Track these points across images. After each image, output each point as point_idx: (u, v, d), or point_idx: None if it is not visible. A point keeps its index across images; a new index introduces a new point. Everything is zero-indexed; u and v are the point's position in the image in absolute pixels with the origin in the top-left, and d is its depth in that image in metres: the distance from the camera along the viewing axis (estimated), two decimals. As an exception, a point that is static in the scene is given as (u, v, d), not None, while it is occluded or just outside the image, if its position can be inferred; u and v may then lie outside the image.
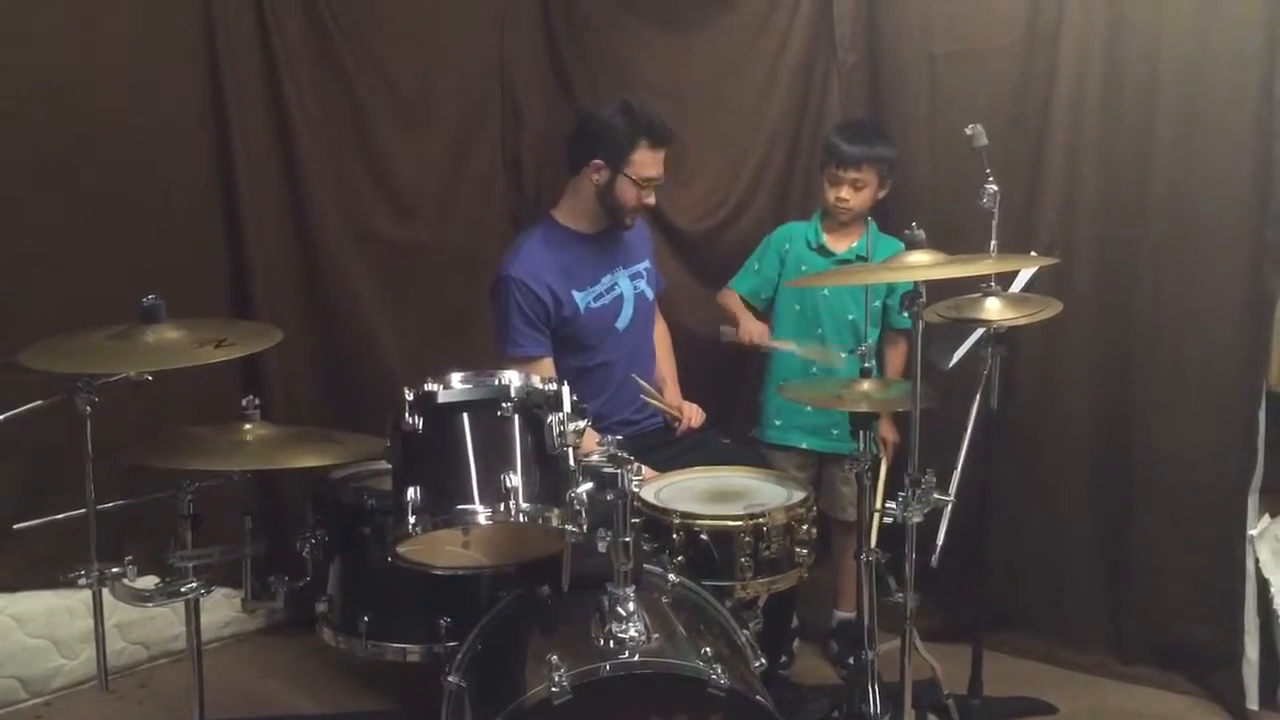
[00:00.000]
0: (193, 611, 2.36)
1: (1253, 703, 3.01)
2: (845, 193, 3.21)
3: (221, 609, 3.36)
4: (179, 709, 3.02)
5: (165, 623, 3.29)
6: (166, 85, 3.21)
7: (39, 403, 2.14)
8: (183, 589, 2.27)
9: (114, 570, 2.17)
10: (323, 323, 3.53)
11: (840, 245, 3.31)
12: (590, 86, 3.73)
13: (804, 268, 3.33)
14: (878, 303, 3.28)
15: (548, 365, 2.94)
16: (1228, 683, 3.05)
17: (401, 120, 3.63)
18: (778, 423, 3.38)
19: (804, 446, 3.33)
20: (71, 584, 2.16)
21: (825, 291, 3.28)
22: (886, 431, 3.28)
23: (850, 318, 3.27)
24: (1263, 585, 3.01)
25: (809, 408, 3.24)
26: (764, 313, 3.41)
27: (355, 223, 3.56)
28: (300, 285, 3.49)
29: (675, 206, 3.67)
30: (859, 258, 3.27)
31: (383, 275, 3.61)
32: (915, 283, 2.29)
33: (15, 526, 2.21)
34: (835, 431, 3.29)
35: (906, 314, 3.18)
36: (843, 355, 3.20)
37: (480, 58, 3.76)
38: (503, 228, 3.80)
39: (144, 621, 3.25)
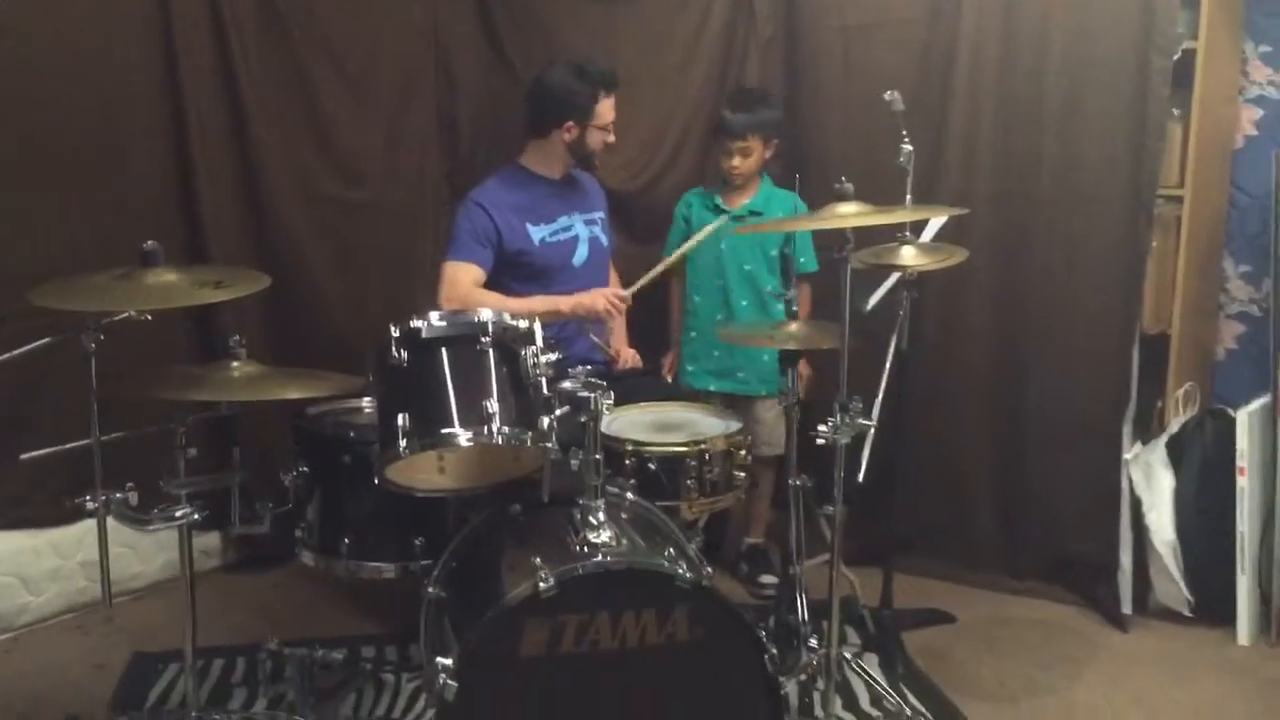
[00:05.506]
0: (186, 538, 2.53)
1: (1127, 608, 3.36)
2: (736, 161, 3.50)
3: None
4: (144, 641, 3.23)
5: (126, 562, 3.44)
6: (120, 54, 3.33)
7: (48, 340, 2.29)
8: (178, 514, 2.45)
9: (118, 496, 2.33)
10: (273, 279, 3.66)
11: (734, 203, 3.59)
12: (524, 52, 3.89)
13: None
14: (774, 252, 3.56)
15: (478, 273, 3.20)
16: (1106, 592, 3.39)
17: (344, 86, 3.77)
18: (690, 368, 3.67)
19: (711, 389, 3.61)
20: (79, 510, 2.31)
21: (723, 245, 3.55)
22: (802, 367, 3.56)
23: (747, 268, 3.56)
24: (1136, 503, 3.35)
25: (716, 353, 3.58)
26: (681, 271, 3.67)
27: (302, 184, 3.71)
28: (251, 243, 3.64)
29: (605, 167, 3.87)
30: (751, 213, 3.56)
31: (328, 233, 3.77)
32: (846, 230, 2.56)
33: (23, 457, 2.35)
34: (741, 374, 3.60)
35: (804, 260, 3.53)
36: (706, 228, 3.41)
37: (416, 23, 3.90)
38: (439, 188, 3.97)
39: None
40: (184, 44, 3.41)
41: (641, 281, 3.33)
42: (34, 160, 3.17)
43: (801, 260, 3.56)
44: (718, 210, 3.60)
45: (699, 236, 3.37)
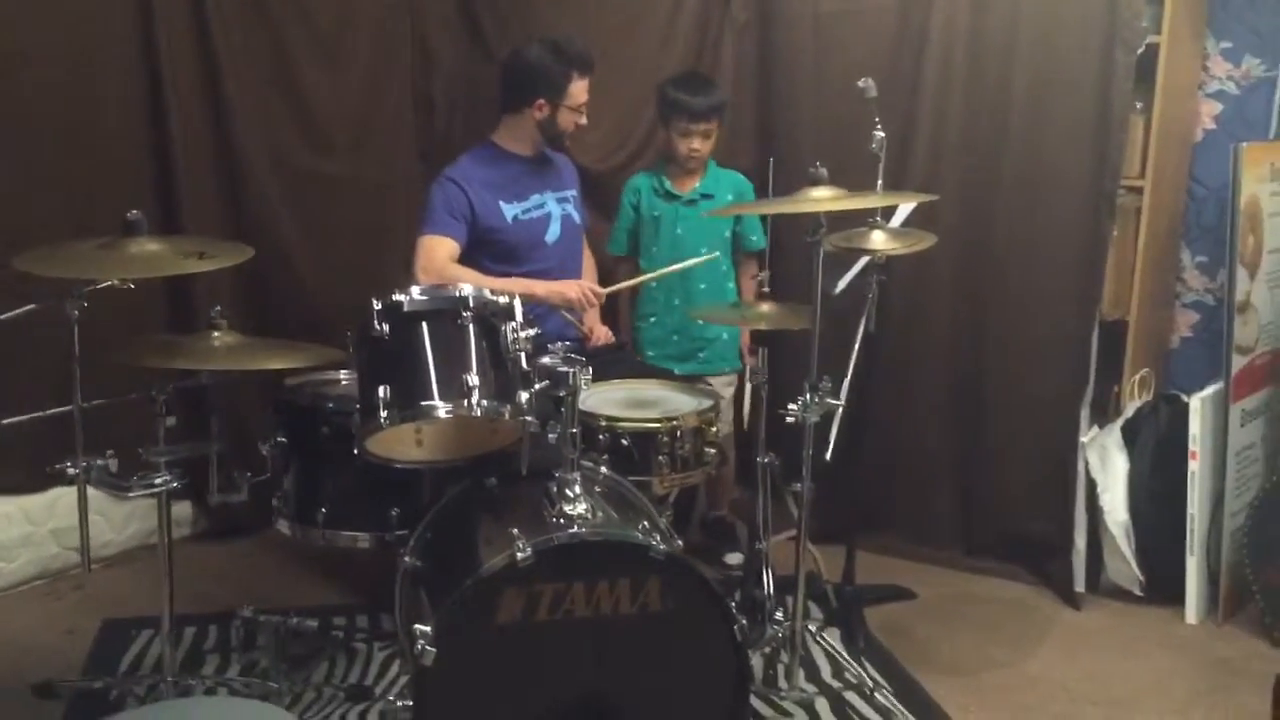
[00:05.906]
0: (165, 505, 2.55)
1: (1080, 586, 3.45)
2: (697, 143, 3.50)
3: (151, 518, 3.52)
4: (114, 608, 3.25)
5: (98, 530, 3.46)
6: (98, 25, 3.34)
7: (32, 306, 2.31)
8: (158, 481, 2.47)
9: (98, 462, 2.36)
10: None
11: (684, 187, 3.60)
12: (500, 31, 3.93)
13: (655, 213, 3.63)
14: (727, 233, 3.61)
15: (453, 246, 3.22)
16: (1060, 570, 3.48)
17: (319, 57, 3.80)
18: (651, 354, 3.69)
19: (675, 371, 3.58)
20: (59, 475, 2.34)
21: (679, 230, 3.58)
22: (749, 355, 3.60)
23: (704, 251, 3.55)
24: (1091, 485, 3.43)
25: (675, 337, 3.62)
26: (633, 258, 3.71)
27: (277, 157, 3.74)
28: (226, 215, 3.66)
29: (577, 147, 3.91)
30: (703, 195, 3.58)
31: (303, 206, 3.79)
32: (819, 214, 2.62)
33: (4, 421, 2.37)
34: (702, 355, 3.64)
35: (756, 238, 3.59)
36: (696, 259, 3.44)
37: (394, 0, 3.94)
38: (413, 164, 4.01)
39: (77, 529, 3.40)
40: (163, 16, 3.42)
41: (619, 286, 3.43)
42: (7, 128, 3.17)
43: (753, 238, 3.63)
44: (668, 195, 3.61)
45: (691, 263, 3.40)
